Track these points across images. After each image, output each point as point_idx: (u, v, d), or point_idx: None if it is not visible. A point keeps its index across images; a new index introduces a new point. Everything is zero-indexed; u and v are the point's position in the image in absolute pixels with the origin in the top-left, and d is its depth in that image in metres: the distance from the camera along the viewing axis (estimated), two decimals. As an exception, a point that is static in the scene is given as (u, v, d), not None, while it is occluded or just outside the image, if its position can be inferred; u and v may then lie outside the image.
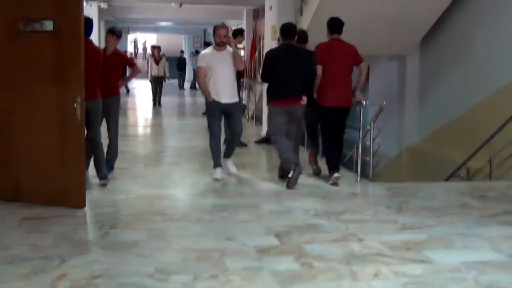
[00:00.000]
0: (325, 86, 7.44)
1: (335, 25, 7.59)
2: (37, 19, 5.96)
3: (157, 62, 17.66)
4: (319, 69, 7.42)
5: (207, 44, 15.43)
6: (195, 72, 9.97)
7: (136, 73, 8.37)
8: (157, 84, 18.02)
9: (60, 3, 5.87)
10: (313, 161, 8.07)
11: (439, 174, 9.72)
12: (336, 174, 7.38)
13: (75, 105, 5.86)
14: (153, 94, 18.11)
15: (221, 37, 7.44)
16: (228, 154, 7.94)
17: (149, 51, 30.04)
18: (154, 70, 17.73)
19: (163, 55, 18.87)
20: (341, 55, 7.51)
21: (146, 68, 25.18)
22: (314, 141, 8.26)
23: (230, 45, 7.61)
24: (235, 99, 7.73)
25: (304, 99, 7.32)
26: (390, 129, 11.85)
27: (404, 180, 10.01)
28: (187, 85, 29.01)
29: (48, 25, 5.92)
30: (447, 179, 9.44)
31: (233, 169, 7.90)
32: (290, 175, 7.08)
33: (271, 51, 7.69)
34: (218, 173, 7.59)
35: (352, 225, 5.69)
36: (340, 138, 7.74)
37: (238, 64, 7.55)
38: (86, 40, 6.82)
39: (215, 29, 7.55)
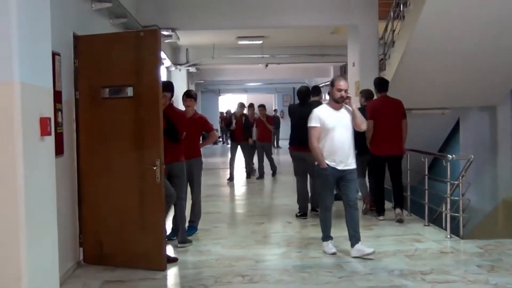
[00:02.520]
0: (379, 139, 8.50)
1: (383, 84, 8.78)
2: (118, 86, 6.19)
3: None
4: (369, 124, 8.11)
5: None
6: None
7: (214, 138, 8.37)
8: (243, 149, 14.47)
9: (139, 70, 6.07)
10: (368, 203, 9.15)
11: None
12: (381, 217, 8.57)
13: (154, 168, 5.96)
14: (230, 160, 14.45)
15: (341, 92, 6.50)
16: (357, 238, 6.66)
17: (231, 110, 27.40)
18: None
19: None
20: (393, 110, 8.57)
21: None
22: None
23: (348, 103, 6.63)
24: (353, 165, 6.71)
25: None
26: (484, 183, 11.35)
27: (499, 237, 9.45)
28: (281, 143, 28.72)
29: (129, 92, 6.13)
30: (545, 235, 8.86)
31: (368, 249, 6.57)
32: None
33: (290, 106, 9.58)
34: (331, 247, 6.75)
35: (439, 286, 5.43)
36: (400, 181, 8.59)
37: (360, 123, 6.60)
38: (170, 104, 7.00)
39: (333, 82, 6.65)
